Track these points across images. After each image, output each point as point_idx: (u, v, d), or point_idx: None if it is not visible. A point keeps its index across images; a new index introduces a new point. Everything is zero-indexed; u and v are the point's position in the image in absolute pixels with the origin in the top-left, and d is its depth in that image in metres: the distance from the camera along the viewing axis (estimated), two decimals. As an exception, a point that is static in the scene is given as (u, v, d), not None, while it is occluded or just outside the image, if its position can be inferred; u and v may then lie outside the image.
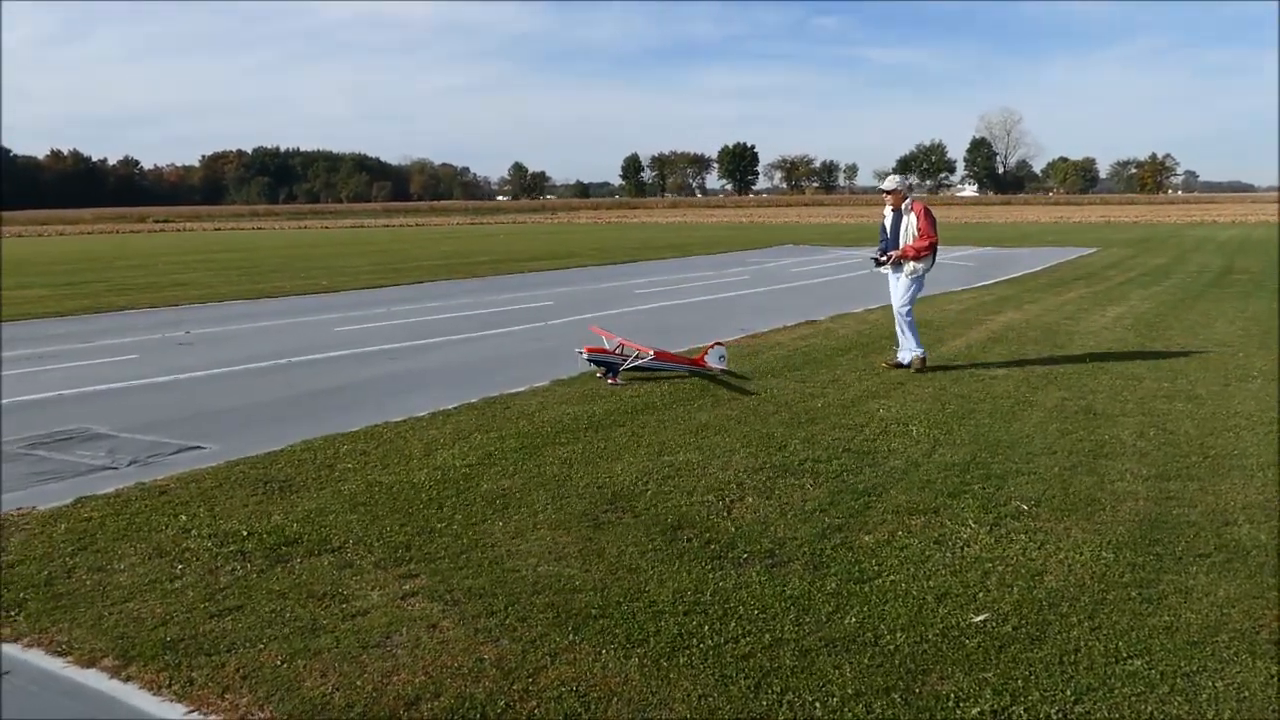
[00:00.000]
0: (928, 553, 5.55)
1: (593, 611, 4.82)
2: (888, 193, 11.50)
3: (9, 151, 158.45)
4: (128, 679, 4.34)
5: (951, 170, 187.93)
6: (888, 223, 11.54)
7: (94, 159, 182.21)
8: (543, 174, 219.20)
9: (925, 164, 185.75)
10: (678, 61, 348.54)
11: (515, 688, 4.12)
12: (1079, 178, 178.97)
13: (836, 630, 4.58)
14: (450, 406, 9.63)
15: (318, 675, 4.27)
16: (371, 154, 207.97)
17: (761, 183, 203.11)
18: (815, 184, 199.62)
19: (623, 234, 59.70)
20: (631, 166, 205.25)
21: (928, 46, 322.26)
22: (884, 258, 11.48)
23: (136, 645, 4.59)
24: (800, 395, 9.85)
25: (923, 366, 11.19)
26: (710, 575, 5.27)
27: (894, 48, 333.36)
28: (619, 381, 10.66)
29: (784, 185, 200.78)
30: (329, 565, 5.54)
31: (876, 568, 5.33)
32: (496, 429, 8.62)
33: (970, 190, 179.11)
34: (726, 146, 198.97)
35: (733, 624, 4.66)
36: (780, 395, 9.86)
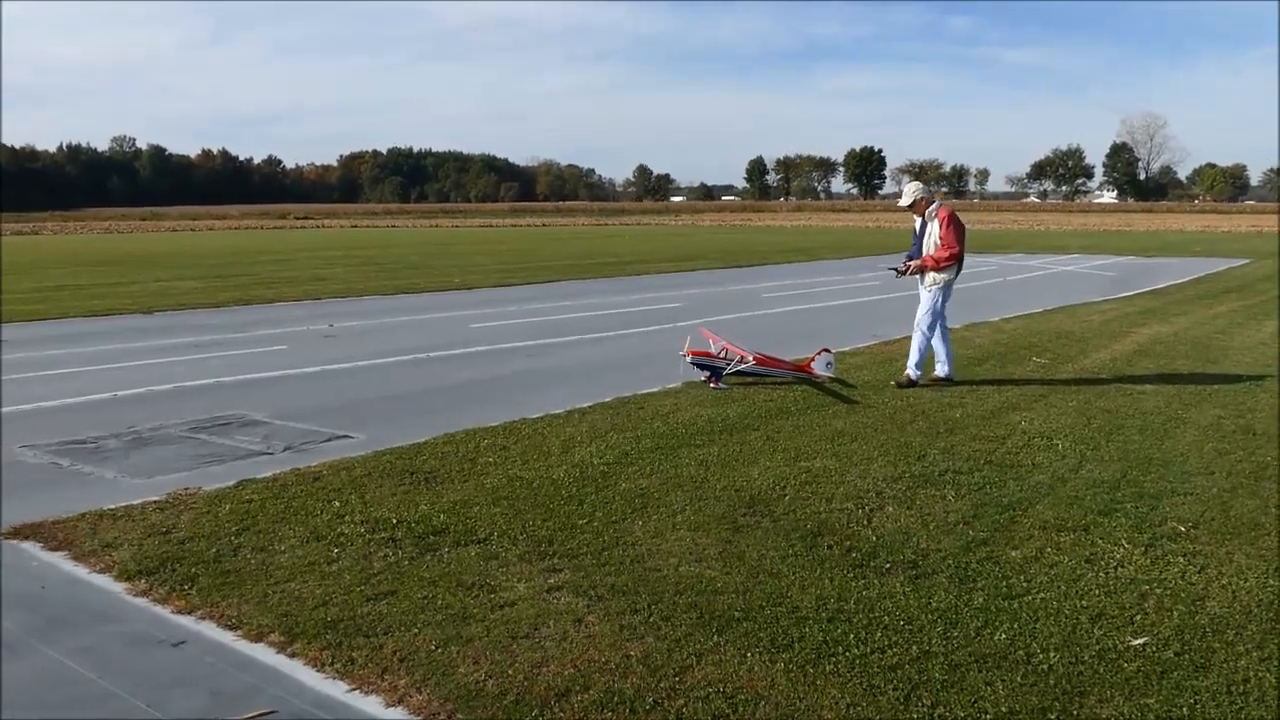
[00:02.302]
0: (1079, 572, 5.38)
1: (736, 614, 4.84)
2: (909, 207, 10.90)
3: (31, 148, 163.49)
4: (293, 655, 4.55)
5: (1089, 176, 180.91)
6: (917, 228, 11.05)
7: (240, 158, 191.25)
8: (667, 176, 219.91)
9: (1061, 169, 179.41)
10: (804, 63, 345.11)
11: (662, 685, 4.16)
12: (1228, 185, 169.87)
13: (987, 646, 4.49)
14: (585, 405, 9.78)
15: (470, 662, 4.40)
16: (499, 155, 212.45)
17: (888, 187, 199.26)
18: (944, 188, 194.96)
19: (747, 237, 59.50)
20: (756, 169, 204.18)
21: (1065, 46, 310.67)
22: (903, 267, 11.03)
23: (300, 623, 4.82)
24: (937, 404, 9.66)
25: (907, 384, 10.49)
26: (853, 584, 5.22)
27: (1029, 48, 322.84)
28: (723, 385, 10.59)
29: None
30: (475, 556, 5.69)
31: (1025, 584, 5.20)
32: (632, 429, 8.71)
33: (1109, 197, 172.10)
34: (853, 150, 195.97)
35: (878, 634, 4.61)
36: (917, 404, 9.69)
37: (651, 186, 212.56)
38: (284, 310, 19.96)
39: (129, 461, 8.07)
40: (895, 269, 11.22)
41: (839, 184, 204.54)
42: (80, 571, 5.64)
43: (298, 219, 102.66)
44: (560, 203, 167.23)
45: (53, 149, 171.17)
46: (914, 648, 4.47)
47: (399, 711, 4.05)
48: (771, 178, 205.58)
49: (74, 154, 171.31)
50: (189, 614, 5.03)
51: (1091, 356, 12.63)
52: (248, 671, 4.44)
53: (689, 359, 10.88)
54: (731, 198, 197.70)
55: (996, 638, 4.57)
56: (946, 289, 10.81)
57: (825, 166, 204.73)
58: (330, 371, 12.19)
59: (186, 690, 4.27)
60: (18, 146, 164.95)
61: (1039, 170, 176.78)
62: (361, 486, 7.03)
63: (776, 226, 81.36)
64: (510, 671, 4.31)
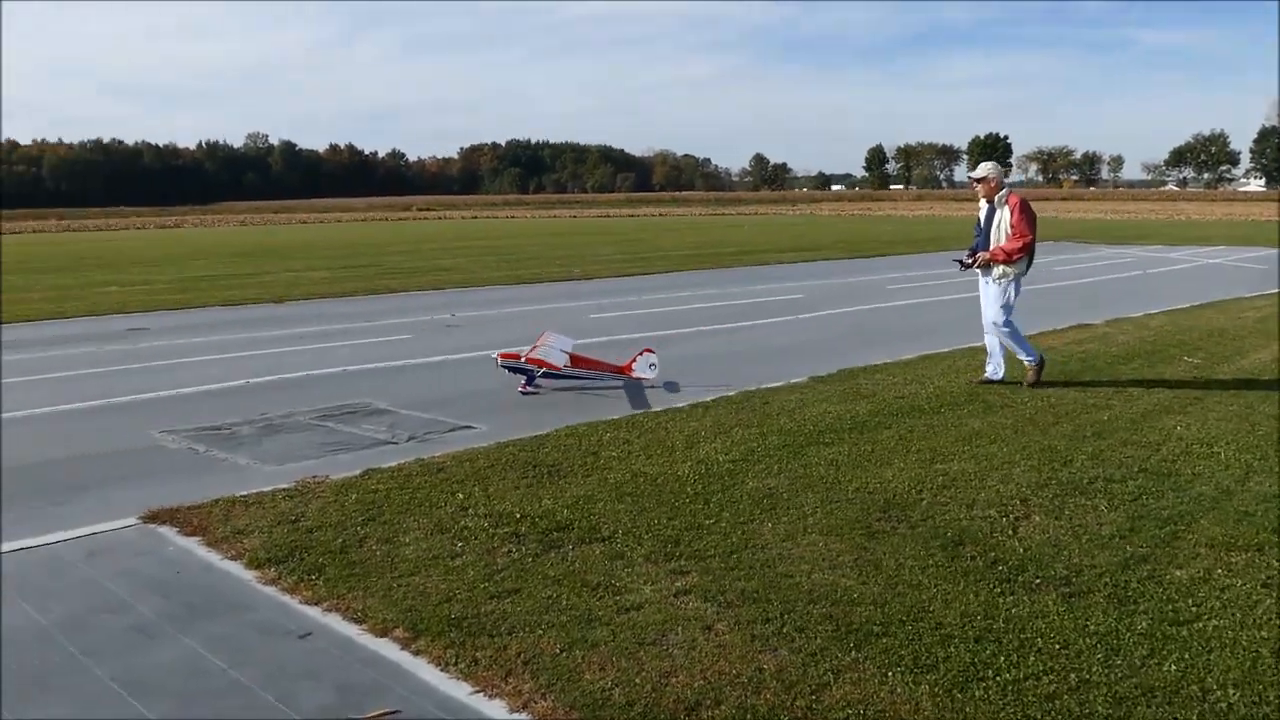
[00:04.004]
0: (1255, 597, 4.92)
1: (874, 628, 4.56)
2: (977, 181, 10.20)
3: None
4: (417, 652, 4.48)
5: (1234, 162, 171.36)
6: (982, 216, 10.30)
7: (366, 152, 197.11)
8: (784, 165, 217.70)
9: (1203, 155, 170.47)
10: (926, 49, 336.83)
11: (798, 704, 3.93)
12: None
13: (1154, 678, 4.11)
14: (708, 399, 9.57)
15: (596, 668, 4.25)
16: (616, 146, 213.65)
17: (1014, 175, 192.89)
18: (1074, 177, 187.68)
19: (868, 226, 58.25)
20: (875, 158, 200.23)
21: (1208, 27, 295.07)
22: (969, 259, 10.27)
23: (424, 619, 4.74)
24: (1082, 406, 9.11)
25: (1034, 382, 9.96)
26: (1000, 600, 4.88)
27: (1168, 29, 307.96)
28: (533, 389, 10.20)
29: (1039, 178, 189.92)
30: (600, 555, 5.55)
31: (1194, 609, 4.76)
32: (757, 425, 8.46)
33: (1257, 184, 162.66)
34: (977, 137, 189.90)
35: (1031, 658, 4.28)
36: (1059, 405, 9.16)
37: (768, 175, 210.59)
38: (408, 300, 20.32)
39: (261, 448, 8.23)
40: (960, 261, 10.43)
41: (962, 172, 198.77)
42: (213, 558, 5.71)
43: (420, 210, 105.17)
44: (676, 192, 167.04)
45: (192, 146, 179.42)
46: (1072, 675, 4.12)
47: (523, 717, 3.93)
48: (891, 166, 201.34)
49: (212, 151, 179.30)
50: (316, 605, 5.02)
51: (1250, 357, 11.78)
52: (373, 667, 4.38)
53: (500, 362, 10.40)
54: (839, 187, 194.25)
55: (1165, 669, 4.17)
56: (1016, 282, 10.12)
57: (948, 154, 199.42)
58: (452, 361, 12.28)
59: (314, 684, 4.23)
60: (160, 145, 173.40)
61: (1178, 157, 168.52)
62: (485, 479, 6.97)
63: (897, 216, 79.48)
64: (638, 680, 4.14)
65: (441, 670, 4.32)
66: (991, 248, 9.97)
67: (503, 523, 6.06)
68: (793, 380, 10.49)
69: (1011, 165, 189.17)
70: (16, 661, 4.49)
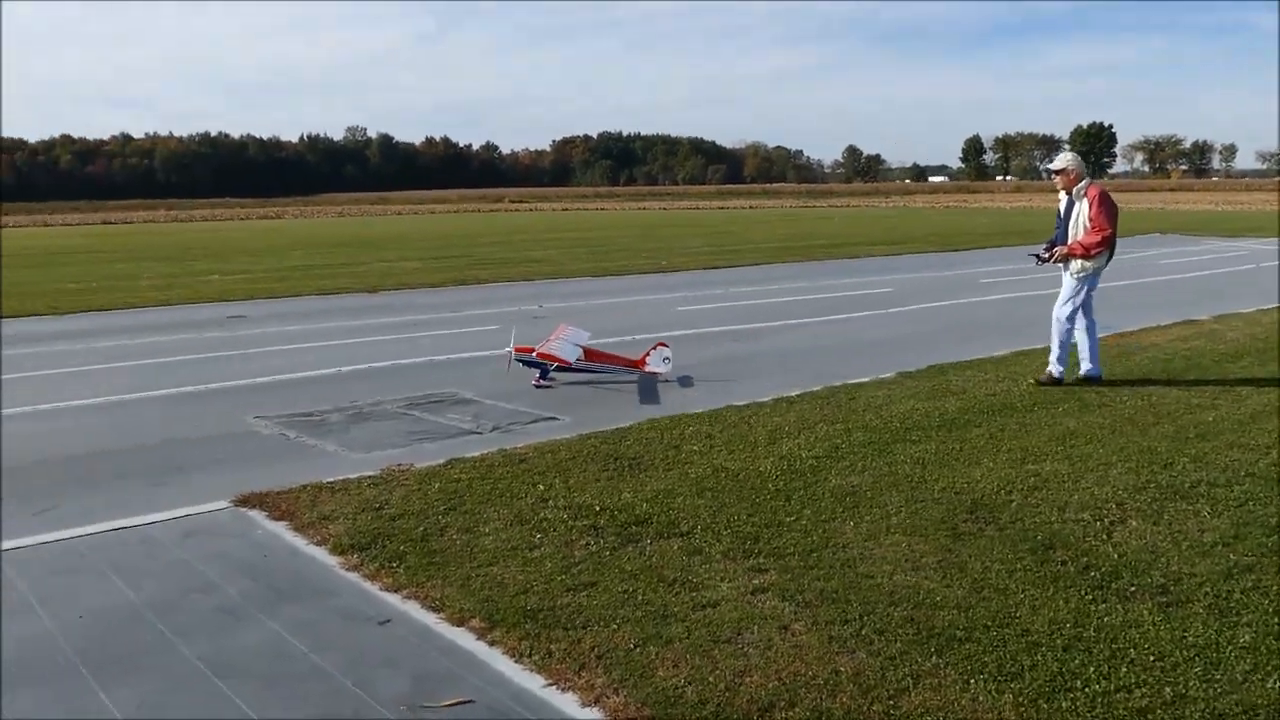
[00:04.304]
0: (1370, 610, 4.63)
1: (957, 633, 4.42)
2: (1056, 173, 9.76)
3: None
4: (492, 643, 4.50)
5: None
6: (1061, 209, 9.83)
7: (460, 144, 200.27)
8: (877, 156, 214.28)
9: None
10: (1025, 36, 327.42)
11: (875, 709, 3.83)
12: None
13: (1257, 696, 3.89)
14: (793, 393, 9.44)
15: (669, 665, 4.20)
16: (707, 137, 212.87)
17: (1119, 166, 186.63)
18: (1183, 166, 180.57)
19: (963, 219, 56.96)
20: (972, 148, 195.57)
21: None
22: (1046, 254, 9.82)
23: (500, 610, 4.76)
24: (1185, 406, 8.73)
25: (1049, 382, 9.63)
26: (1092, 607, 4.69)
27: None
28: (546, 383, 10.13)
29: (1145, 168, 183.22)
30: (678, 550, 5.50)
31: (1303, 621, 4.51)
32: (842, 420, 8.31)
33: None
34: (1079, 126, 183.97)
35: (1123, 669, 4.09)
36: (1160, 404, 8.80)
37: (861, 167, 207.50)
38: (497, 291, 20.55)
39: (349, 435, 8.39)
40: (1037, 255, 10.02)
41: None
42: (299, 543, 5.83)
43: (512, 202, 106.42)
44: (767, 184, 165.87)
45: (295, 139, 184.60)
46: (1167, 689, 3.93)
47: (595, 712, 3.90)
48: (989, 157, 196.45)
49: (313, 144, 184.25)
50: (396, 592, 5.08)
51: (1370, 355, 11.15)
52: (449, 656, 4.42)
53: (514, 356, 10.30)
54: (941, 178, 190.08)
55: (1269, 686, 3.95)
56: (1094, 277, 9.66)
57: (1048, 144, 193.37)
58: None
59: (392, 671, 4.28)
60: (264, 138, 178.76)
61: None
62: (566, 470, 6.98)
63: (994, 208, 77.53)
64: (711, 679, 4.08)
65: (516, 661, 4.33)
66: (1069, 242, 9.63)
67: (582, 515, 6.06)
68: (880, 376, 10.29)
69: (1115, 155, 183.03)
70: (109, 639, 4.65)
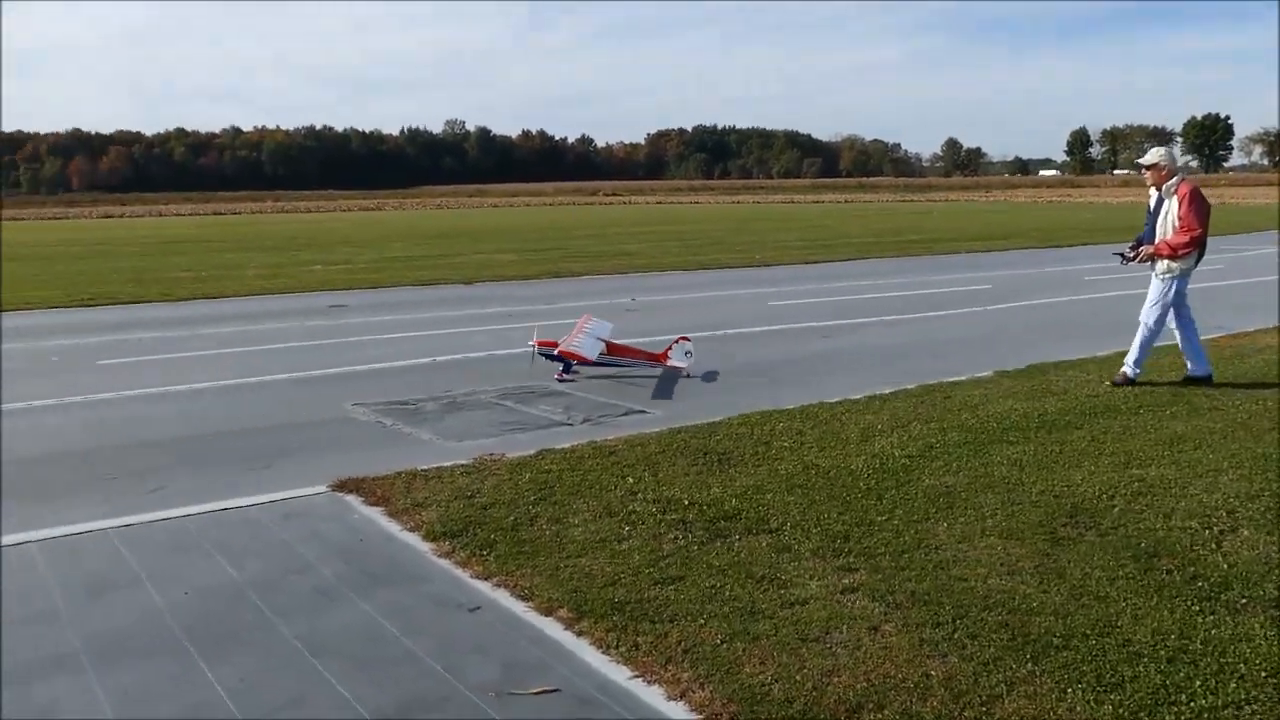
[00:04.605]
0: None
1: (1054, 641, 4.29)
2: (1147, 168, 9.29)
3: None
4: (580, 633, 4.53)
5: None
6: (1151, 205, 9.35)
7: (556, 137, 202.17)
8: (978, 150, 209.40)
9: None
10: (1137, 22, 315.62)
11: (967, 714, 3.74)
12: None
13: (1379, 716, 3.69)
14: (886, 391, 9.29)
15: (756, 662, 4.18)
16: (803, 131, 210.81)
17: (1235, 159, 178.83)
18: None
19: (1068, 214, 55.31)
20: (1078, 141, 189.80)
21: None
22: (1131, 253, 9.35)
23: (588, 601, 4.79)
24: (1303, 411, 8.32)
25: (1123, 382, 9.31)
26: (1199, 619, 4.50)
27: None
28: (569, 377, 10.11)
29: (1264, 161, 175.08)
30: (766, 547, 5.46)
31: None
32: (937, 420, 8.15)
33: None
34: (1193, 117, 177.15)
35: (1232, 684, 3.92)
36: (1277, 409, 8.41)
37: (961, 161, 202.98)
38: (590, 284, 20.70)
39: (443, 424, 8.54)
40: (1121, 254, 9.61)
41: (1176, 155, 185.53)
42: (394, 528, 5.96)
43: (607, 195, 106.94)
44: (863, 178, 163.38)
45: (396, 132, 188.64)
46: (1280, 706, 3.76)
47: (680, 706, 3.90)
48: (1096, 150, 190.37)
49: (413, 137, 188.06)
50: (486, 580, 5.15)
51: None
52: (537, 645, 4.46)
53: (537, 350, 10.24)
54: (1052, 172, 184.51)
55: (1393, 706, 3.75)
56: (1182, 279, 9.24)
57: (1160, 136, 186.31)
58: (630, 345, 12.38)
59: (481, 658, 4.35)
60: (367, 131, 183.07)
61: None
62: (655, 464, 6.99)
63: (1100, 203, 75.05)
64: (798, 677, 4.04)
65: (603, 653, 4.35)
66: (1157, 241, 9.24)
67: (670, 509, 6.06)
68: (977, 374, 10.06)
69: (1232, 148, 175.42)
70: (213, 615, 4.82)
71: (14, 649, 4.48)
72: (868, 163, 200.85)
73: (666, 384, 10.04)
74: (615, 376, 10.37)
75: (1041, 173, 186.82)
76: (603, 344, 10.50)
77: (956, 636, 4.36)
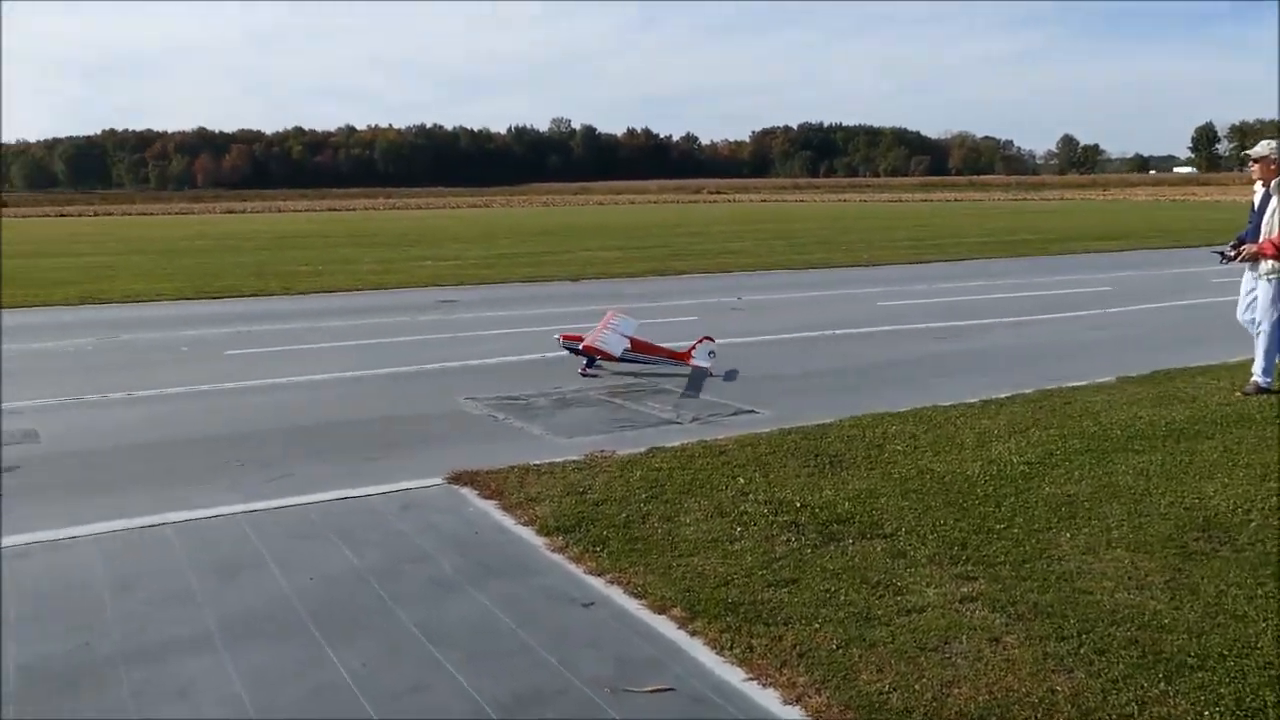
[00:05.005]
0: None
1: (1188, 660, 4.12)
2: (1255, 161, 8.73)
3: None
4: (693, 633, 4.53)
5: None
6: (1256, 201, 8.77)
7: (661, 135, 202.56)
8: (1095, 147, 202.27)
9: None
10: (1265, 12, 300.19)
11: (1096, 733, 3.62)
12: None
13: None
14: (1002, 395, 9.05)
15: (873, 669, 4.11)
16: (911, 128, 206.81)
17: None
18: None
19: (1192, 213, 53.04)
20: (1204, 137, 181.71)
21: None
22: (1232, 252, 8.81)
23: (701, 601, 4.79)
24: None
25: (1255, 392, 8.83)
26: (1347, 642, 4.26)
27: None
28: (592, 372, 10.21)
29: None
30: (881, 552, 5.38)
31: None
32: (1057, 426, 7.90)
33: None
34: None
35: (1386, 713, 3.71)
36: None
37: (1077, 158, 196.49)
38: (695, 281, 20.69)
39: (554, 420, 8.64)
40: (1221, 253, 9.15)
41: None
42: (507, 522, 6.05)
43: (711, 193, 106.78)
44: (974, 176, 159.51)
45: (503, 131, 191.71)
46: None
47: (796, 711, 3.86)
48: (1223, 146, 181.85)
49: (520, 135, 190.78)
50: (599, 576, 5.19)
51: None
52: (650, 643, 4.48)
53: (562, 344, 10.37)
54: (1187, 170, 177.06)
55: None
56: None
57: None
58: (736, 345, 12.34)
59: (595, 654, 4.38)
60: (475, 129, 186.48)
61: None
62: (765, 464, 6.95)
63: (1227, 201, 71.76)
64: (917, 687, 3.97)
65: (716, 653, 4.34)
66: (1260, 239, 8.74)
67: (782, 510, 6.02)
68: (1098, 380, 9.73)
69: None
70: (335, 601, 4.97)
71: (153, 627, 4.69)
72: (978, 160, 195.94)
73: (774, 384, 9.97)
74: (634, 372, 10.48)
75: (1176, 170, 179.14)
76: (627, 341, 10.57)
77: (1083, 652, 4.22)
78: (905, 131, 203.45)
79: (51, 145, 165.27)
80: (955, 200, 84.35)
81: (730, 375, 10.51)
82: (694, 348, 10.45)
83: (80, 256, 29.83)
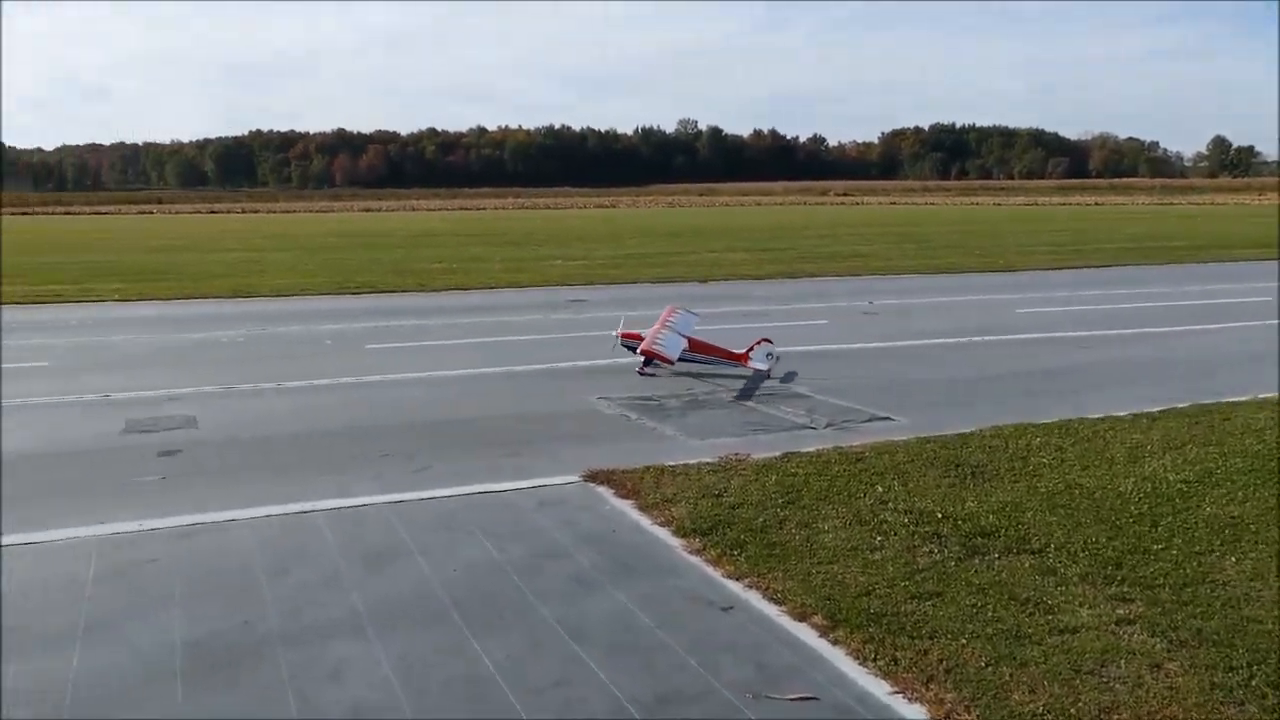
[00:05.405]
0: None
1: (1374, 698, 3.85)
2: None
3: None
4: (835, 642, 4.47)
5: None
6: None
7: (787, 136, 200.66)
8: (1250, 149, 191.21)
9: None
10: None
11: (1272, 771, 3.42)
12: None
13: None
14: (1154, 409, 8.66)
15: (1025, 689, 3.98)
16: (1049, 129, 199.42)
17: None
18: None
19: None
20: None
21: None
22: None
23: (842, 609, 4.72)
24: None
25: None
26: None
27: None
28: (650, 371, 10.16)
29: None
30: (1029, 568, 5.20)
31: None
32: (1216, 443, 7.51)
33: None
34: None
35: None
36: None
37: (1229, 160, 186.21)
38: (824, 284, 20.42)
39: (686, 421, 8.65)
40: None
41: None
42: (644, 521, 6.08)
43: (838, 195, 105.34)
44: (1115, 179, 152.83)
45: (630, 132, 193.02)
46: None
47: (945, 728, 3.77)
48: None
49: (646, 136, 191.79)
50: (737, 580, 5.17)
51: None
52: (791, 650, 4.43)
53: (620, 340, 10.26)
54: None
55: None
56: None
57: None
58: (869, 350, 12.15)
59: (735, 658, 4.36)
60: (602, 130, 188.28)
61: None
62: (904, 473, 6.80)
63: (1400, 209, 66.90)
64: (1072, 710, 3.83)
65: (860, 664, 4.27)
66: None
67: (923, 521, 5.88)
68: (1261, 395, 9.20)
69: None
70: (478, 592, 5.07)
71: (307, 610, 4.88)
72: (1120, 163, 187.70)
73: (909, 391, 9.75)
74: (692, 373, 10.46)
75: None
76: (685, 341, 10.45)
77: (1254, 684, 3.99)
78: (1042, 133, 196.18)
79: (203, 145, 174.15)
80: (1096, 204, 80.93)
81: (789, 378, 10.37)
82: (752, 349, 10.34)
83: (230, 252, 31.30)
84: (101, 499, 6.52)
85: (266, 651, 4.46)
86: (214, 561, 5.54)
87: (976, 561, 5.30)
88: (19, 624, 4.73)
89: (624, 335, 10.70)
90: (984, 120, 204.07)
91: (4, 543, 5.76)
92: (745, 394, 9.67)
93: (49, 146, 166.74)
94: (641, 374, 10.50)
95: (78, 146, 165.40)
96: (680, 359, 10.33)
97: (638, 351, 10.47)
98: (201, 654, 4.44)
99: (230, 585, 5.20)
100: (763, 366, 10.23)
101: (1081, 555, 5.35)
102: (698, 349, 10.56)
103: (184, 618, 4.79)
